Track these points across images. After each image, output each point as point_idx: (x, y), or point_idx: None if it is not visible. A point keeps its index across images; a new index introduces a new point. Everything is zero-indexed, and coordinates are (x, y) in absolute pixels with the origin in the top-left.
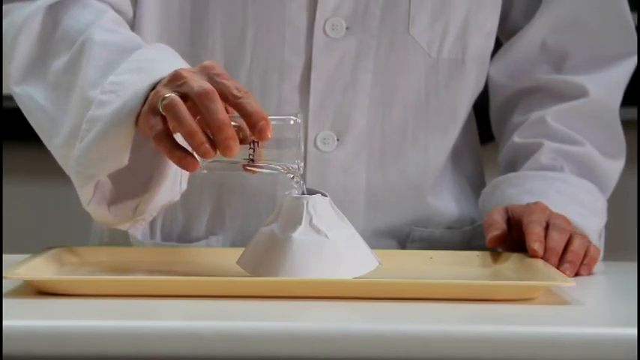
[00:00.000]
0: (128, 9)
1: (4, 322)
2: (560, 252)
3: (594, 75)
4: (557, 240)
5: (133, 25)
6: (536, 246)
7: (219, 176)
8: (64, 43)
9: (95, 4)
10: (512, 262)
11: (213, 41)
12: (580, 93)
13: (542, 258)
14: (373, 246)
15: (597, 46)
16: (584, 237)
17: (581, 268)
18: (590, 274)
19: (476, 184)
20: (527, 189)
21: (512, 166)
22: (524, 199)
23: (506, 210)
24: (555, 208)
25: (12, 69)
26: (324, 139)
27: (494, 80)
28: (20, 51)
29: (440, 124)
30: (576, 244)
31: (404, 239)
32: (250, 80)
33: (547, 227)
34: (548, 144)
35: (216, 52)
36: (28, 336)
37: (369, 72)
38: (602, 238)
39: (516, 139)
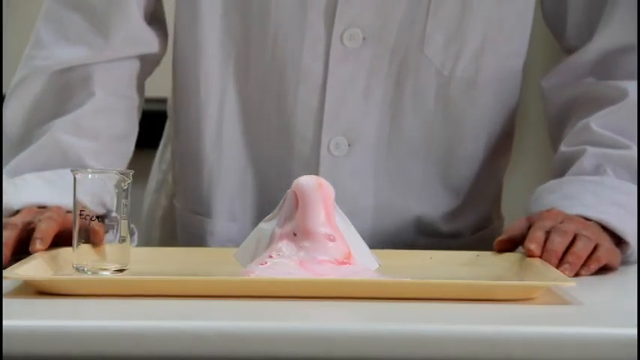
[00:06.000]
0: (153, 48)
1: (4, 322)
2: (560, 254)
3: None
4: (558, 242)
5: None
6: (533, 246)
7: (240, 168)
8: (41, 121)
9: (93, 90)
10: (512, 262)
11: (241, 38)
12: (620, 95)
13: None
14: (378, 246)
15: None
16: (589, 239)
17: (581, 268)
18: (590, 274)
19: (489, 198)
20: (564, 194)
21: (560, 174)
22: (562, 204)
23: (527, 219)
24: (591, 211)
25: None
26: (337, 144)
27: (547, 96)
28: (16, 104)
29: (444, 138)
30: (579, 246)
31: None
32: (267, 80)
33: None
34: (592, 149)
35: (242, 48)
36: (28, 336)
37: (381, 84)
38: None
39: (563, 147)
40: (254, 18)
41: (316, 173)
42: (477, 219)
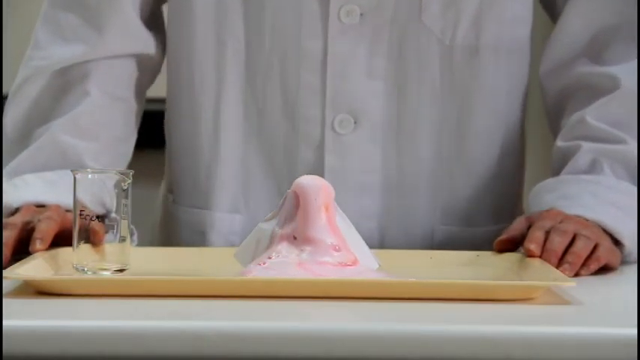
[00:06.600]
0: (150, 49)
1: (4, 322)
2: (560, 254)
3: (630, 63)
4: (557, 242)
5: (161, 55)
6: (533, 246)
7: (241, 155)
8: (40, 123)
9: (88, 89)
10: (512, 262)
11: (237, 26)
12: (613, 85)
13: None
14: (391, 230)
15: (634, 32)
16: (589, 239)
17: (581, 268)
18: (590, 274)
19: (510, 185)
20: (562, 194)
21: (557, 170)
22: (559, 204)
23: (527, 219)
24: (589, 212)
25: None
26: (341, 121)
27: (543, 84)
28: (17, 105)
29: (454, 111)
30: (578, 246)
31: (421, 228)
32: (270, 64)
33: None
34: (587, 145)
35: (239, 36)
36: (28, 336)
37: (384, 58)
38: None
39: (558, 142)
40: (250, 5)
41: (322, 152)
42: (495, 206)
